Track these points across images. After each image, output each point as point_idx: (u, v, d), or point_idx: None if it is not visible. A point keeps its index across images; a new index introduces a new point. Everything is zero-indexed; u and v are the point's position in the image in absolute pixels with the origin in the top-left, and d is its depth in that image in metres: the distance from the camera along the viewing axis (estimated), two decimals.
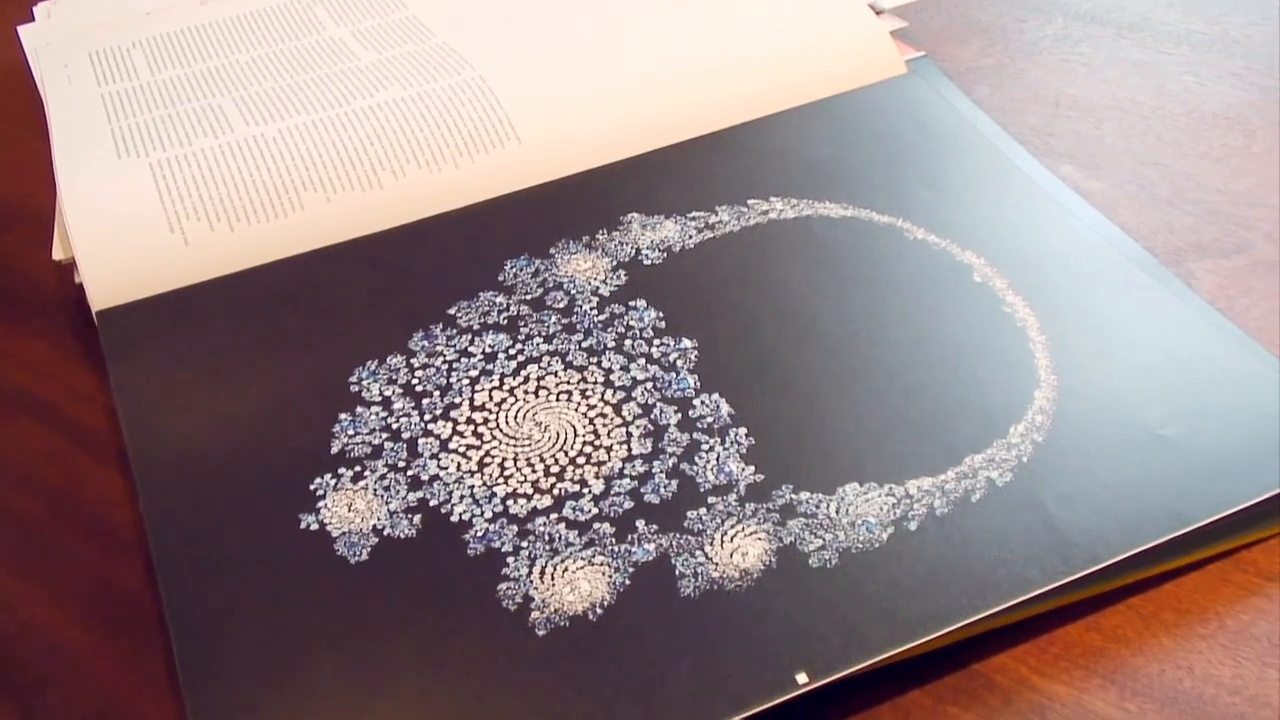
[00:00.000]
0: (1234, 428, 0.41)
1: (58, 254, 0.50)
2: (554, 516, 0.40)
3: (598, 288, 0.48)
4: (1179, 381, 0.42)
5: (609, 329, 0.46)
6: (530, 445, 0.42)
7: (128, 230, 0.49)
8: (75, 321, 0.50)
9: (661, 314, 0.47)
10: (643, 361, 0.45)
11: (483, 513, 0.40)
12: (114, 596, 0.41)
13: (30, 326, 0.51)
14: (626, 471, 0.41)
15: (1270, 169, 0.55)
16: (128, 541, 0.42)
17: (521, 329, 0.46)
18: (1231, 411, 0.41)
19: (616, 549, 0.39)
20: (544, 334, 0.46)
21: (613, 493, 0.41)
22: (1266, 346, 0.46)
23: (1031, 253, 0.48)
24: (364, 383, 0.45)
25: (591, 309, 0.47)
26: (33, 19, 0.68)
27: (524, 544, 0.39)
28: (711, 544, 0.39)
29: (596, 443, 0.42)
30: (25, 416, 0.47)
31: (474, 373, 0.45)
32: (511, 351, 0.46)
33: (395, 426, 0.43)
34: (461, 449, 0.42)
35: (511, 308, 0.47)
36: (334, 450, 0.42)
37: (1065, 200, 0.51)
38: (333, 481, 0.41)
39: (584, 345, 0.46)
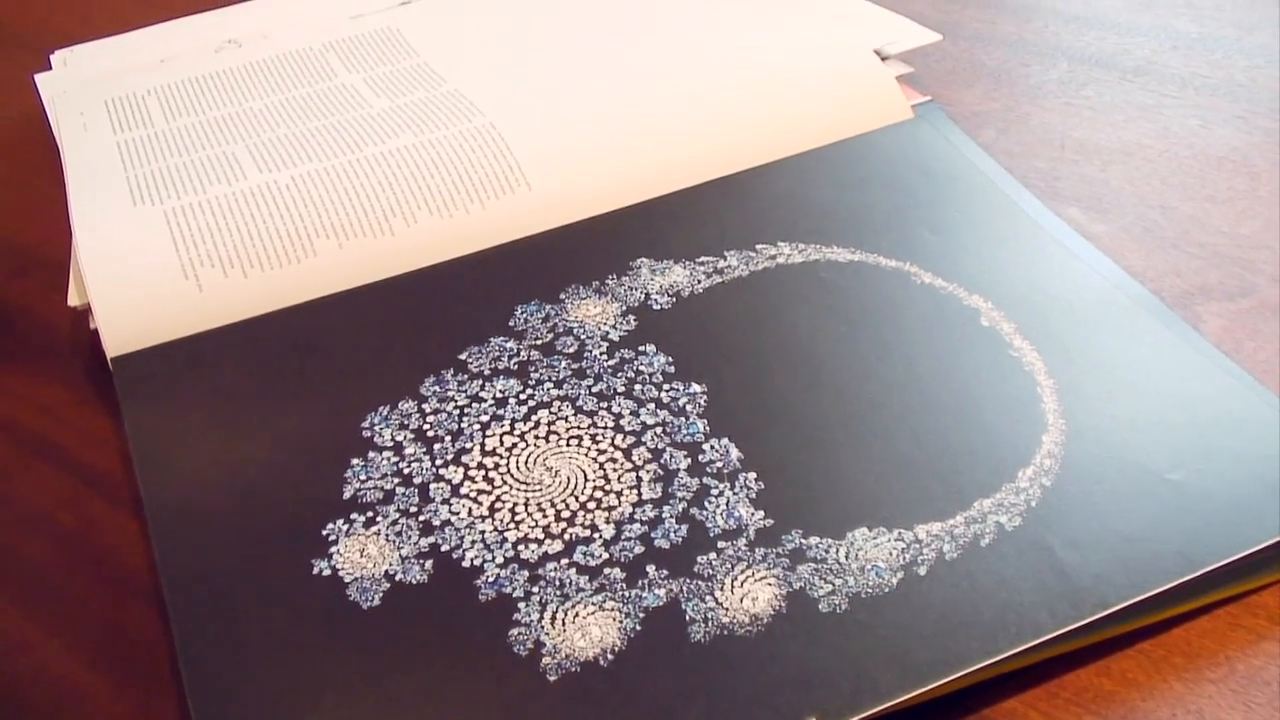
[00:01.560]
0: (1241, 472, 0.41)
1: (73, 300, 0.50)
2: (565, 561, 0.40)
3: (607, 333, 0.48)
4: (1186, 425, 0.43)
5: (619, 374, 0.46)
6: (541, 490, 0.43)
7: (142, 277, 0.50)
8: (90, 366, 0.51)
9: (671, 359, 0.47)
10: (652, 406, 0.45)
11: (494, 558, 0.40)
12: (126, 641, 0.41)
13: (46, 371, 0.52)
14: (637, 516, 0.41)
15: (1275, 211, 0.55)
16: (141, 586, 0.43)
17: (532, 374, 0.47)
18: (1238, 456, 0.41)
19: (627, 594, 0.39)
20: (554, 379, 0.46)
21: (623, 537, 0.41)
22: (1272, 389, 0.46)
23: (1038, 296, 0.48)
24: (376, 428, 0.45)
25: (601, 354, 0.47)
26: (50, 68, 0.69)
27: (535, 589, 0.39)
28: (721, 589, 0.39)
29: (607, 487, 0.42)
30: (40, 461, 0.48)
31: (485, 418, 0.45)
32: (522, 397, 0.46)
33: (407, 471, 0.43)
34: (473, 494, 0.43)
35: (522, 353, 0.48)
36: (346, 495, 0.43)
37: (1071, 243, 0.51)
38: (345, 526, 0.42)
39: (594, 390, 0.46)
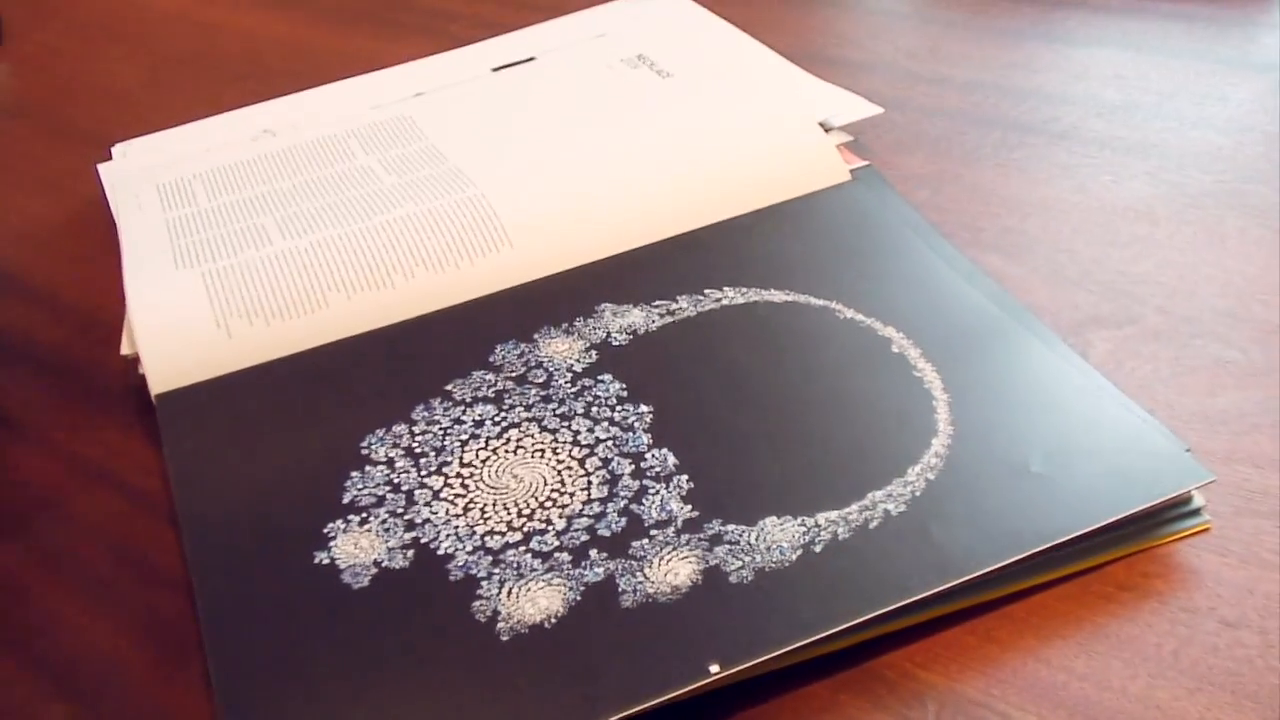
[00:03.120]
0: (1095, 465, 0.48)
1: (125, 349, 0.59)
2: (522, 548, 0.48)
3: (572, 365, 0.56)
4: (1055, 430, 0.50)
5: (579, 398, 0.55)
6: (507, 493, 0.51)
7: (181, 327, 0.59)
8: (140, 406, 0.60)
9: (625, 385, 0.55)
10: (606, 424, 0.53)
11: (464, 547, 0.49)
12: (162, 624, 0.49)
13: (104, 411, 0.61)
14: (585, 512, 0.49)
15: (1169, 252, 0.62)
16: (174, 580, 0.51)
17: (506, 400, 0.55)
18: (1095, 452, 0.49)
19: (572, 572, 0.47)
20: (525, 404, 0.55)
21: (572, 529, 0.49)
22: (1145, 399, 0.53)
23: (942, 327, 0.56)
24: (373, 447, 0.53)
25: (566, 383, 0.56)
26: (111, 158, 0.79)
27: (496, 570, 0.47)
28: (650, 566, 0.47)
29: (562, 489, 0.51)
30: (97, 485, 0.57)
31: (464, 436, 0.54)
32: (497, 419, 0.54)
33: (396, 481, 0.52)
34: (450, 497, 0.51)
35: (499, 383, 0.56)
36: (345, 500, 0.51)
37: (980, 284, 0.59)
38: (343, 525, 0.50)
39: (558, 412, 0.54)
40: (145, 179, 0.74)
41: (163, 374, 0.57)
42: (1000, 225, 0.66)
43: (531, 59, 0.82)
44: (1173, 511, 0.48)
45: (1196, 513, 0.48)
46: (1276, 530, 0.48)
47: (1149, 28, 0.83)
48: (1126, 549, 0.47)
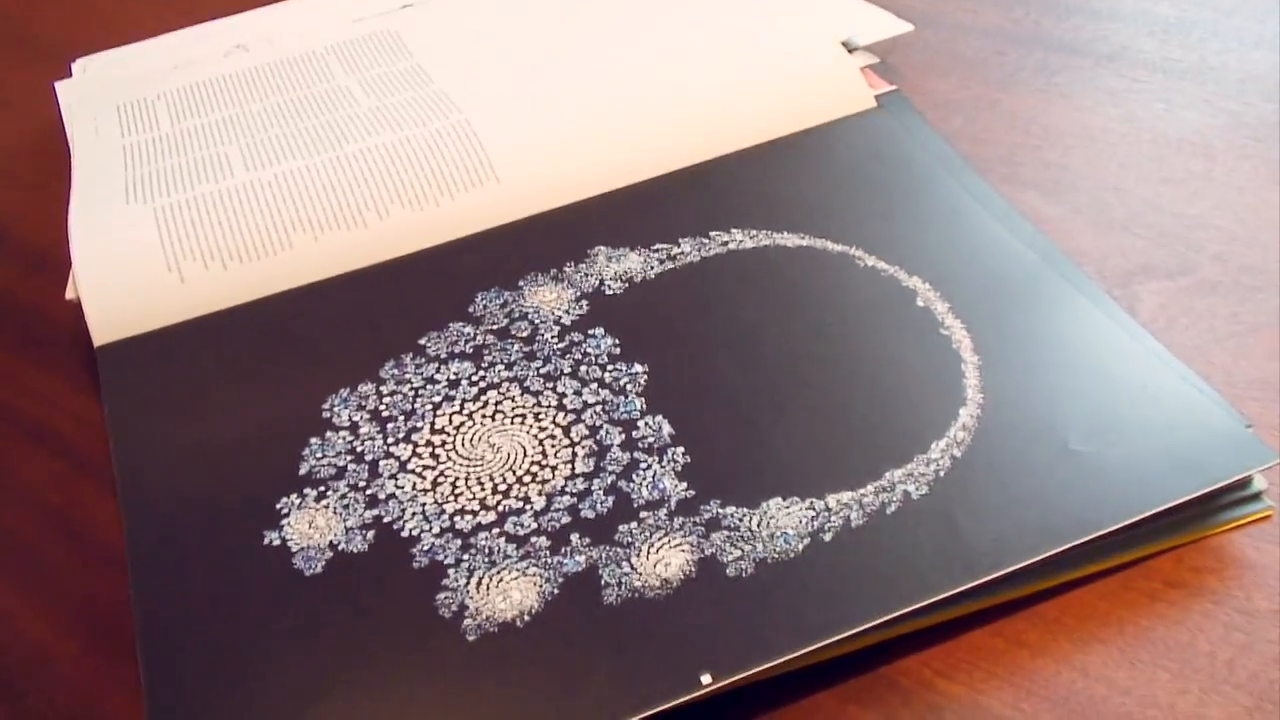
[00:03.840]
0: (1142, 443, 0.42)
1: (70, 293, 0.54)
2: (496, 531, 0.43)
3: (560, 317, 0.51)
4: (1099, 400, 0.44)
5: (567, 356, 0.49)
6: (482, 465, 0.45)
7: (129, 270, 0.53)
8: (87, 358, 0.54)
9: (618, 341, 0.49)
10: (595, 386, 0.48)
11: (431, 528, 0.43)
12: (100, 609, 0.45)
13: (49, 361, 0.55)
14: (568, 489, 0.44)
15: (1227, 191, 0.56)
16: (118, 559, 0.46)
17: (485, 357, 0.49)
18: (1142, 428, 0.43)
19: (550, 561, 0.42)
20: (506, 361, 0.49)
21: (552, 508, 0.43)
22: (1199, 363, 0.47)
23: (974, 277, 0.50)
24: (335, 409, 0.48)
25: (553, 337, 0.50)
26: (71, 75, 0.73)
27: (465, 556, 0.42)
28: (638, 555, 0.41)
29: (543, 462, 0.45)
30: (36, 445, 0.51)
31: (437, 398, 0.48)
32: (474, 378, 0.49)
33: (359, 449, 0.46)
34: (418, 469, 0.45)
35: (478, 337, 0.50)
36: (302, 471, 0.46)
37: (1016, 227, 0.52)
38: (298, 500, 0.45)
39: (542, 371, 0.48)
40: (105, 99, 0.68)
41: (106, 322, 0.52)
42: (1040, 159, 0.59)
43: None
44: (1229, 497, 0.42)
45: (1256, 497, 0.42)
46: None
47: None
48: (1176, 539, 0.42)
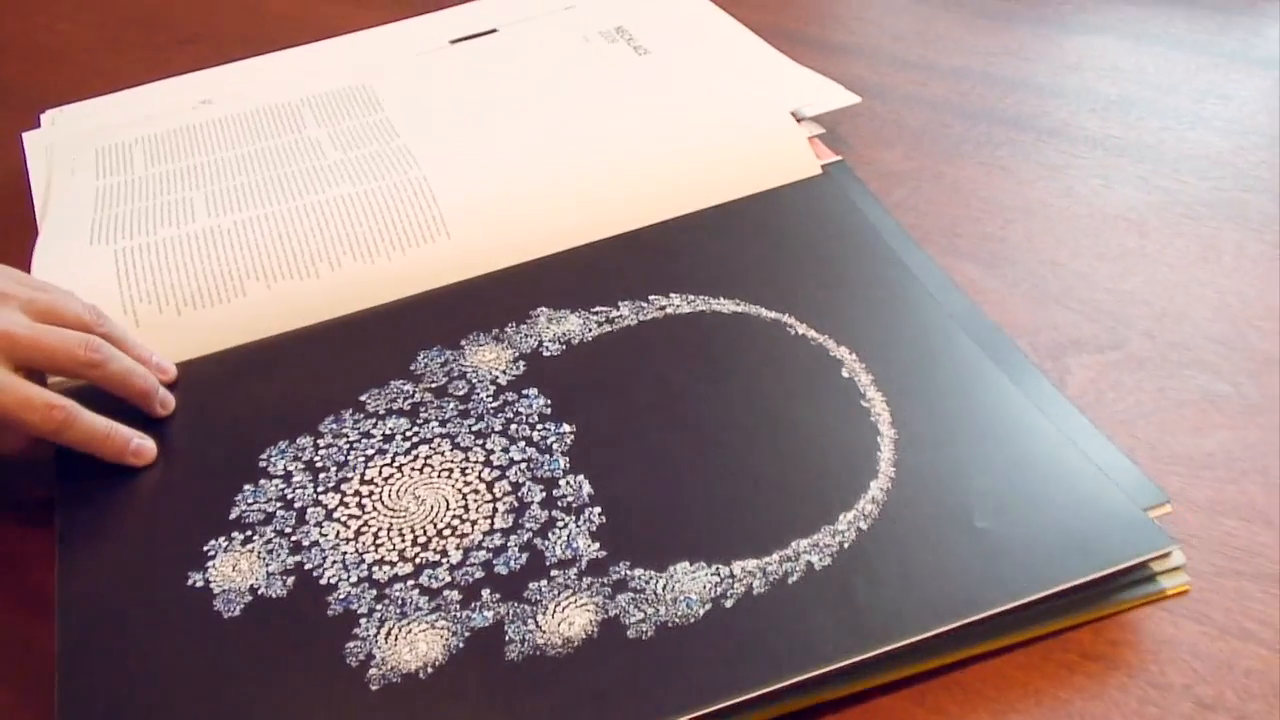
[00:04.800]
0: (1043, 523, 0.43)
1: None
2: (410, 583, 0.44)
3: (497, 377, 0.52)
4: (1006, 478, 0.45)
5: (499, 414, 0.50)
6: (405, 517, 0.46)
7: None
8: None
9: (549, 401, 0.51)
10: (522, 444, 0.49)
11: (349, 577, 0.44)
12: (34, 653, 0.44)
13: None
14: (484, 544, 0.45)
15: (1159, 268, 0.57)
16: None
17: (421, 414, 0.51)
18: (1045, 508, 0.44)
19: (459, 615, 0.43)
20: (440, 419, 0.50)
21: (468, 563, 0.45)
22: (1125, 437, 0.48)
23: (900, 351, 0.51)
24: (271, 459, 0.49)
25: (488, 396, 0.51)
26: (39, 125, 0.74)
27: (379, 606, 0.43)
28: (544, 613, 0.42)
29: (464, 516, 0.46)
30: None
31: (370, 451, 0.49)
32: (409, 434, 0.50)
33: (289, 496, 0.48)
34: (344, 518, 0.47)
35: (417, 395, 0.52)
36: (232, 515, 0.47)
37: (950, 301, 0.53)
38: (224, 544, 0.46)
39: (474, 429, 0.50)
40: (84, 142, 0.70)
41: None
42: (980, 231, 0.61)
43: (494, 30, 0.77)
44: (1135, 575, 0.43)
45: (1175, 571, 0.43)
46: (1262, 595, 0.43)
47: (1149, 15, 0.77)
48: (1081, 616, 0.43)
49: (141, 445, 0.50)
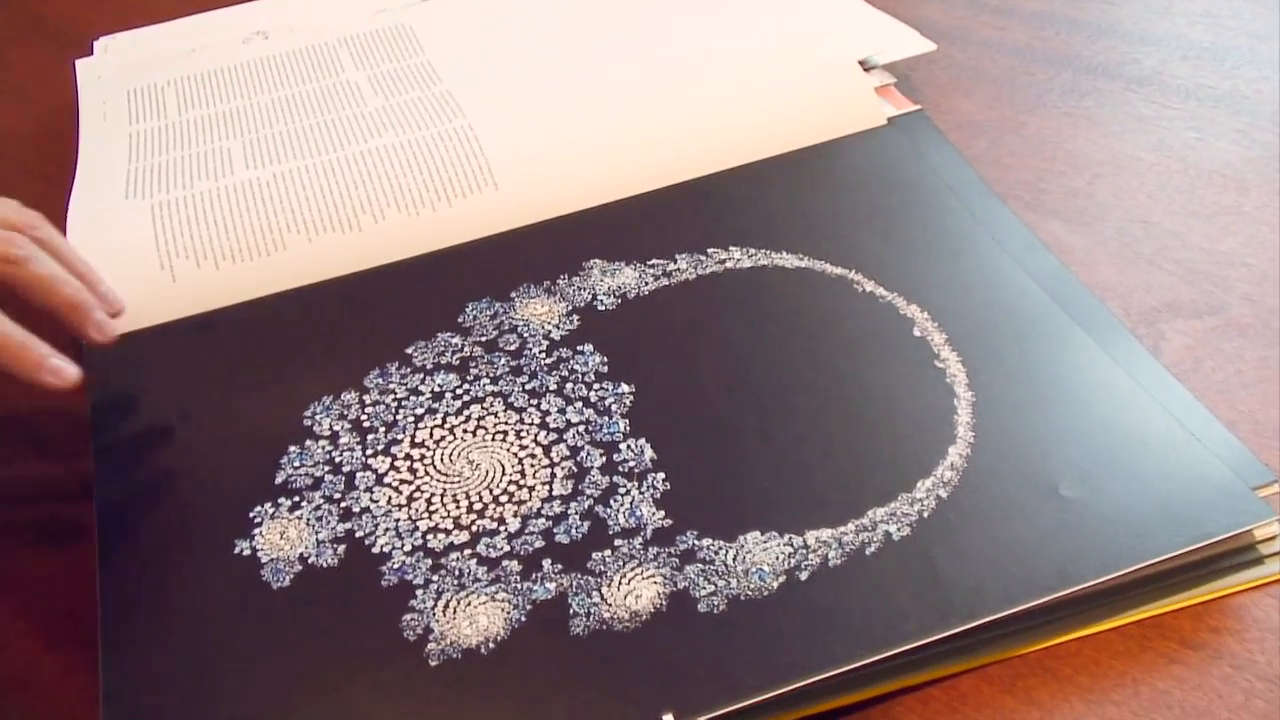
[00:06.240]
0: (1135, 493, 0.41)
1: None
2: (468, 552, 0.42)
3: (550, 332, 0.50)
4: (1094, 445, 0.43)
5: (553, 372, 0.48)
6: (459, 482, 0.44)
7: (122, 267, 0.53)
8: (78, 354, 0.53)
9: (606, 359, 0.48)
10: (579, 405, 0.47)
11: (403, 545, 0.42)
12: (85, 621, 0.42)
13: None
14: (544, 511, 0.43)
15: (1259, 228, 0.54)
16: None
17: (471, 369, 0.48)
18: (1137, 477, 0.41)
19: (519, 586, 0.41)
20: (492, 375, 0.48)
21: (526, 531, 0.42)
22: (1224, 409, 0.45)
23: (975, 310, 0.48)
24: (316, 417, 0.47)
25: (541, 352, 0.49)
26: (93, 54, 0.72)
27: (435, 577, 0.41)
28: (609, 585, 0.40)
29: (521, 482, 0.44)
30: (24, 444, 0.51)
31: (420, 411, 0.47)
32: (458, 391, 0.48)
33: (338, 460, 0.46)
34: (395, 483, 0.45)
35: (466, 348, 0.49)
36: (278, 480, 0.45)
37: (1033, 259, 0.51)
38: (271, 510, 0.44)
39: (528, 387, 0.48)
40: (116, 83, 0.67)
41: None
42: (1066, 186, 0.58)
43: None
44: (1245, 555, 0.40)
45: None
46: None
47: None
48: (1186, 598, 0.40)
49: (61, 365, 0.45)
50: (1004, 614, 0.38)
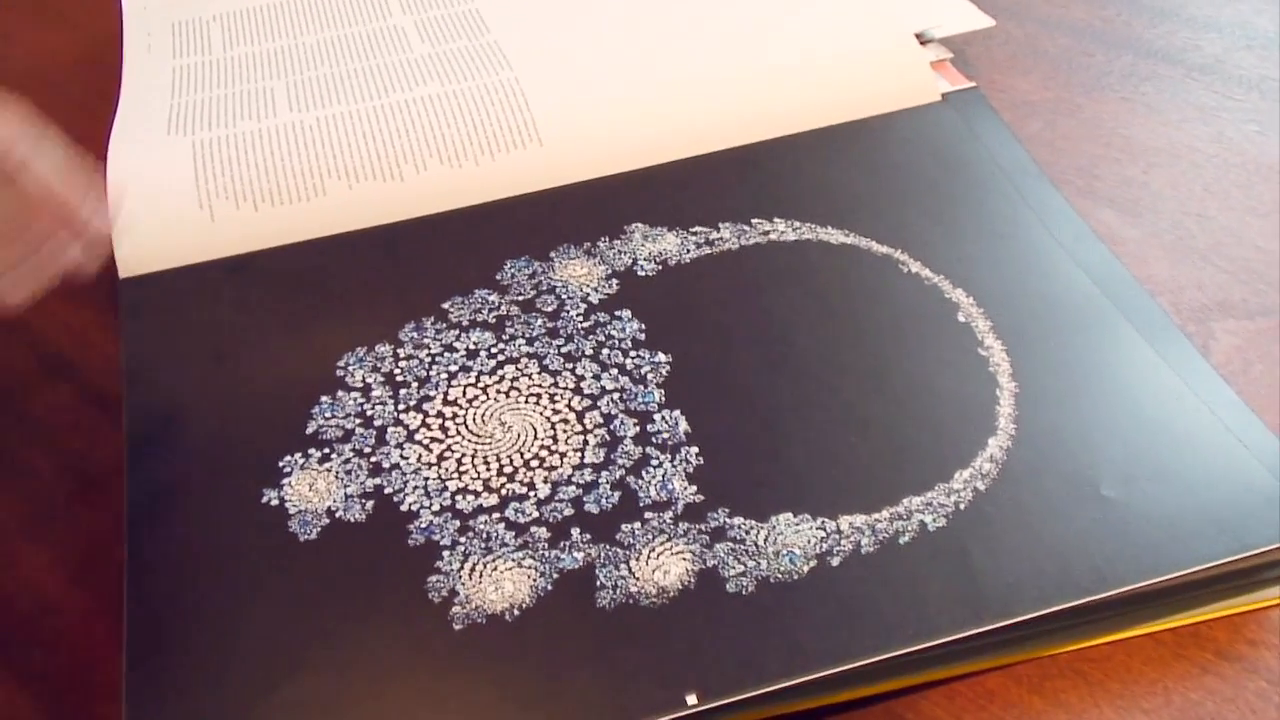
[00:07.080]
0: (1178, 497, 0.40)
1: None
2: (496, 516, 0.42)
3: (588, 294, 0.49)
4: (1138, 445, 0.42)
5: (590, 336, 0.47)
6: (490, 444, 0.44)
7: (161, 205, 0.52)
8: (115, 291, 0.53)
9: (643, 326, 0.48)
10: (615, 372, 0.46)
11: (431, 505, 0.42)
12: (110, 562, 0.43)
13: (80, 293, 0.54)
14: (574, 479, 0.43)
15: None
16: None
17: (507, 329, 0.48)
18: (1181, 480, 0.41)
19: (547, 554, 0.40)
20: (527, 336, 0.48)
21: (556, 498, 0.42)
22: (1272, 414, 0.45)
23: (1022, 297, 0.48)
24: (350, 368, 0.47)
25: (578, 315, 0.48)
26: None
27: (462, 539, 0.41)
28: (637, 559, 0.40)
29: (553, 447, 0.44)
30: (60, 381, 0.50)
31: (453, 368, 0.47)
32: (493, 350, 0.47)
33: (369, 413, 0.45)
34: (426, 441, 0.44)
35: (502, 307, 0.49)
36: (309, 431, 0.45)
37: (1083, 247, 0.50)
38: (300, 460, 0.44)
39: (563, 350, 0.47)
40: (164, 13, 0.66)
41: (133, 256, 0.51)
42: (1120, 174, 0.56)
43: None
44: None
45: None
46: None
47: None
48: (1223, 608, 0.39)
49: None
50: (1038, 614, 0.37)
